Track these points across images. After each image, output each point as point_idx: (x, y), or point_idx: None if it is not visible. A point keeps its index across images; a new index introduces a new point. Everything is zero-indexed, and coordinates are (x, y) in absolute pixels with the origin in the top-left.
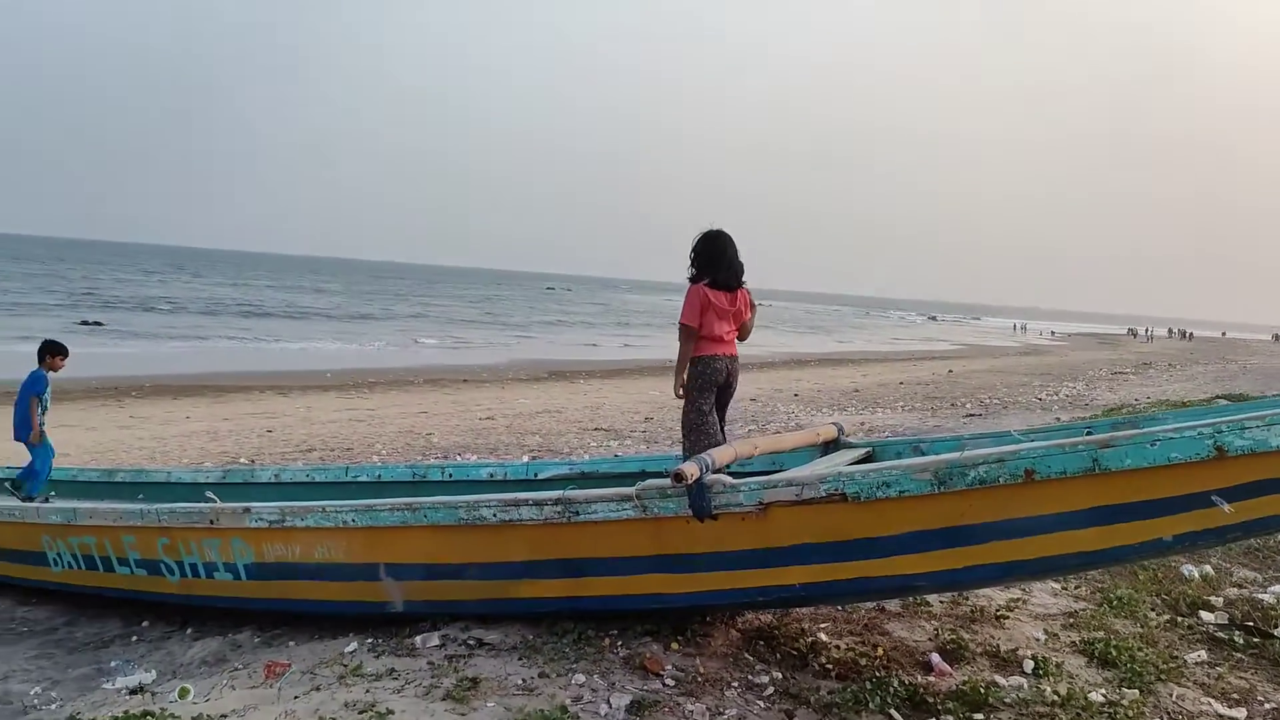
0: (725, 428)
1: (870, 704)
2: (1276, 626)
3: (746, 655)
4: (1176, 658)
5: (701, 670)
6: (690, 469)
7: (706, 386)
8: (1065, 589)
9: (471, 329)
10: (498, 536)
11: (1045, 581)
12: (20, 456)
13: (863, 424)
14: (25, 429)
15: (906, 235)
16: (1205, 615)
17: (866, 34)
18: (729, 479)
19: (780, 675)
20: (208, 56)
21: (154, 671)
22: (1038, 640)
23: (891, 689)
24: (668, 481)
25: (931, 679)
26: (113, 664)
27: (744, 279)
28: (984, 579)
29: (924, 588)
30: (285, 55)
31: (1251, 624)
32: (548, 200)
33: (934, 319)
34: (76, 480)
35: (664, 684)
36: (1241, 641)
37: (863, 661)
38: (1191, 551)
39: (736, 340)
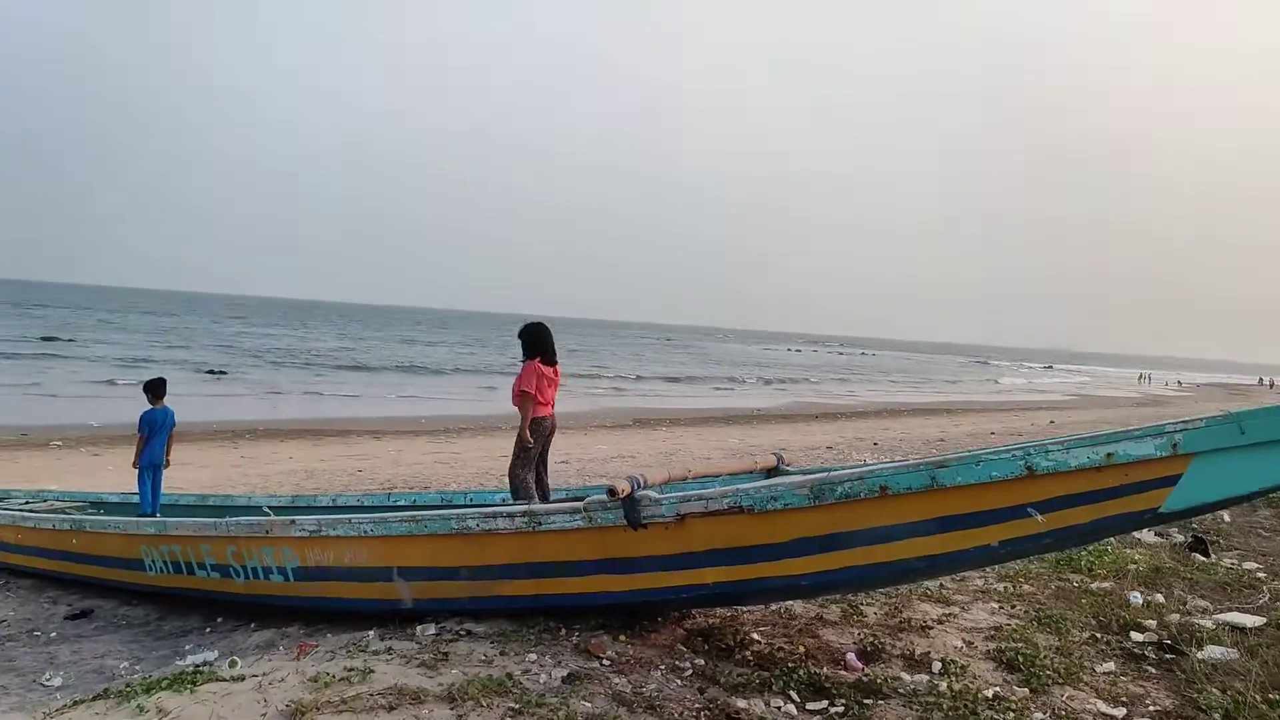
0: (548, 470)
1: (774, 686)
2: (1194, 646)
3: (681, 647)
4: (1085, 667)
5: (636, 655)
6: (623, 485)
7: (540, 438)
8: (1002, 607)
9: (566, 379)
10: (481, 544)
11: (981, 601)
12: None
13: None
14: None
15: (1025, 280)
16: (1135, 635)
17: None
18: (654, 494)
19: (703, 662)
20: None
21: (216, 652)
22: (956, 648)
23: (796, 676)
24: (605, 497)
25: (840, 671)
26: (187, 648)
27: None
28: (854, 580)
29: (807, 588)
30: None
31: (1170, 643)
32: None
33: (1050, 368)
34: (178, 504)
35: (601, 664)
36: (1154, 657)
37: (780, 655)
38: (1017, 558)
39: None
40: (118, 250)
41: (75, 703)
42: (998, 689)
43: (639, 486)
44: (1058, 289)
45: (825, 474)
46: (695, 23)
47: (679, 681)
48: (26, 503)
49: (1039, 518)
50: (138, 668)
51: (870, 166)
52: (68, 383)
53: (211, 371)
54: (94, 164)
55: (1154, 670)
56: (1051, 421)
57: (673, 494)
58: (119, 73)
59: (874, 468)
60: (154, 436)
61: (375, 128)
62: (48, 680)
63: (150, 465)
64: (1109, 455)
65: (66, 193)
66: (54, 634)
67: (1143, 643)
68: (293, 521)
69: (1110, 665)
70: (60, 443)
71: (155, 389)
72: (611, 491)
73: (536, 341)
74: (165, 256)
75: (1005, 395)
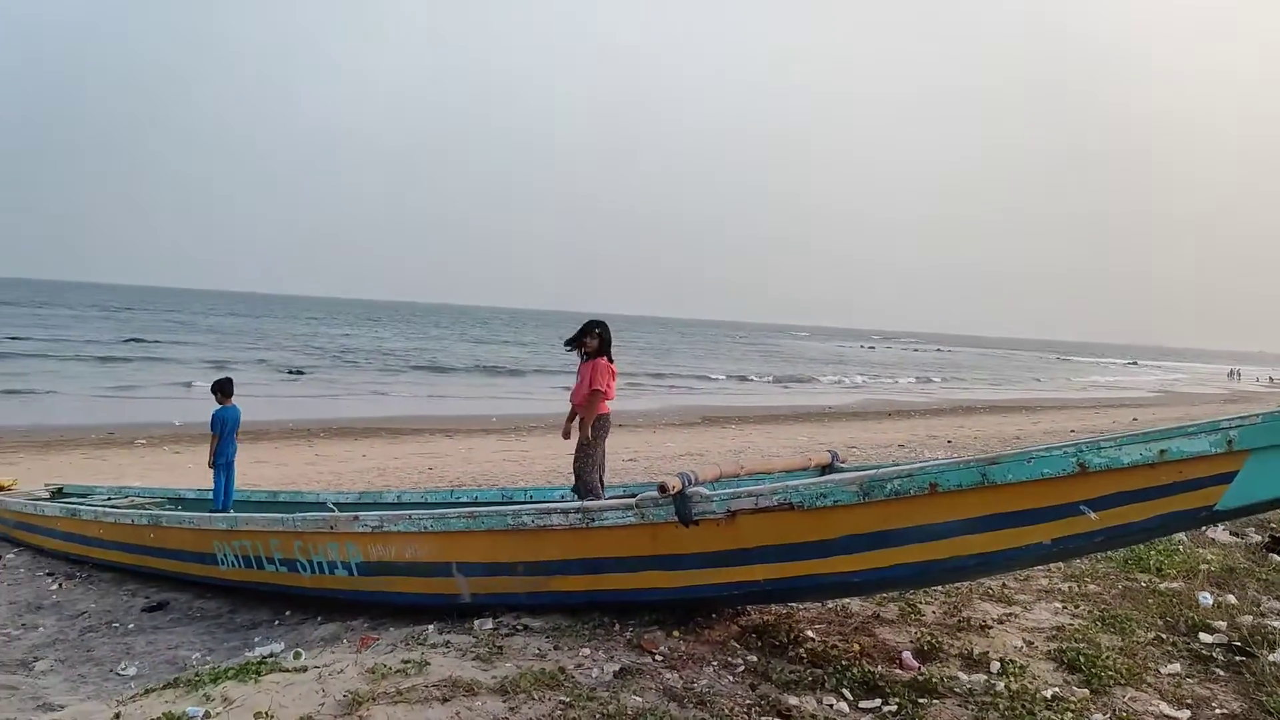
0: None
1: (827, 684)
2: (1266, 649)
3: (734, 644)
4: (1149, 668)
5: (689, 651)
6: (673, 482)
7: (601, 436)
8: (1065, 607)
9: (639, 377)
10: (537, 540)
11: (1044, 601)
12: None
13: None
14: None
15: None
16: (1204, 636)
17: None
18: (704, 490)
19: (756, 659)
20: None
21: (283, 644)
22: (1015, 647)
23: (850, 674)
24: (656, 493)
25: (896, 670)
26: (256, 640)
27: None
28: (906, 577)
29: (858, 585)
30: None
31: (1240, 645)
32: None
33: (1133, 363)
34: (250, 500)
35: (653, 659)
36: (1223, 659)
37: (834, 653)
38: (1071, 556)
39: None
40: (171, 251)
41: (147, 691)
42: (1057, 689)
43: (690, 483)
44: (1142, 283)
45: (875, 470)
46: (768, 22)
47: (731, 678)
48: (108, 499)
49: (1092, 515)
50: (209, 658)
51: (943, 161)
52: (152, 383)
53: (292, 371)
54: (139, 165)
55: (1222, 672)
56: (1134, 419)
57: (723, 490)
58: (173, 80)
59: (924, 464)
60: (226, 435)
61: (444, 129)
62: (123, 670)
63: (224, 463)
64: (1162, 452)
65: (116, 193)
66: (131, 625)
67: (1211, 644)
68: (356, 517)
69: (1176, 667)
70: (144, 441)
71: (224, 388)
72: (663, 488)
73: (608, 339)
74: (220, 258)
75: (1086, 392)
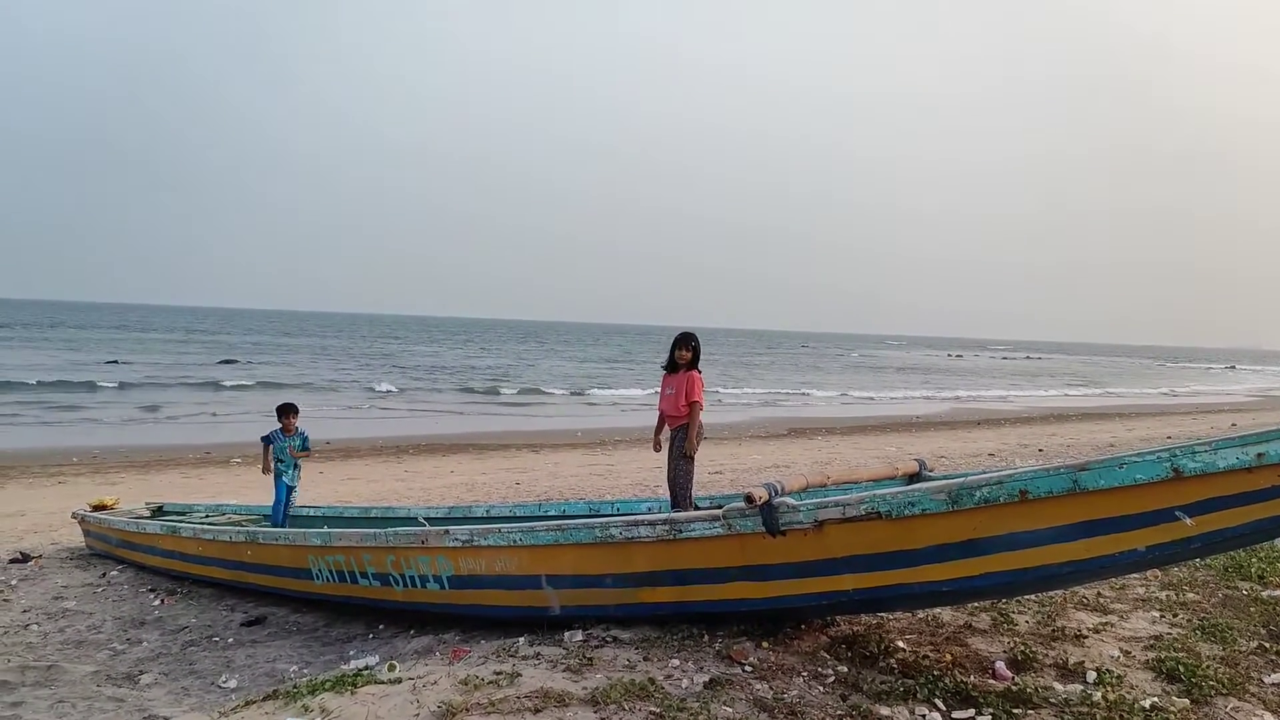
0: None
1: (919, 694)
2: None
3: (824, 654)
4: (1252, 678)
5: (778, 662)
6: (760, 493)
7: (699, 448)
8: (1163, 616)
9: (724, 391)
10: (624, 552)
11: (1142, 610)
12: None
13: None
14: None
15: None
16: None
17: None
18: (791, 500)
19: (846, 669)
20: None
21: (377, 657)
22: (1112, 657)
23: (942, 684)
24: (743, 504)
25: (989, 680)
26: (351, 653)
27: None
28: (996, 586)
29: (949, 595)
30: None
31: None
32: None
33: (1232, 368)
34: (342, 515)
35: (742, 670)
36: None
37: (926, 663)
38: (1166, 563)
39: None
40: (244, 271)
41: (247, 703)
42: (1155, 699)
43: (777, 494)
44: (1239, 284)
45: (964, 478)
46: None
47: (821, 688)
48: (206, 516)
49: (1188, 521)
50: (306, 671)
51: (1018, 159)
52: (246, 405)
53: (380, 390)
54: (215, 188)
55: None
56: (1233, 425)
57: (810, 500)
58: (233, 99)
59: (1014, 472)
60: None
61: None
62: (224, 682)
63: (277, 481)
64: (1260, 455)
65: (187, 216)
66: (231, 639)
67: None
68: (446, 531)
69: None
70: (239, 460)
71: (279, 412)
72: (749, 498)
73: (699, 351)
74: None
75: (1183, 398)
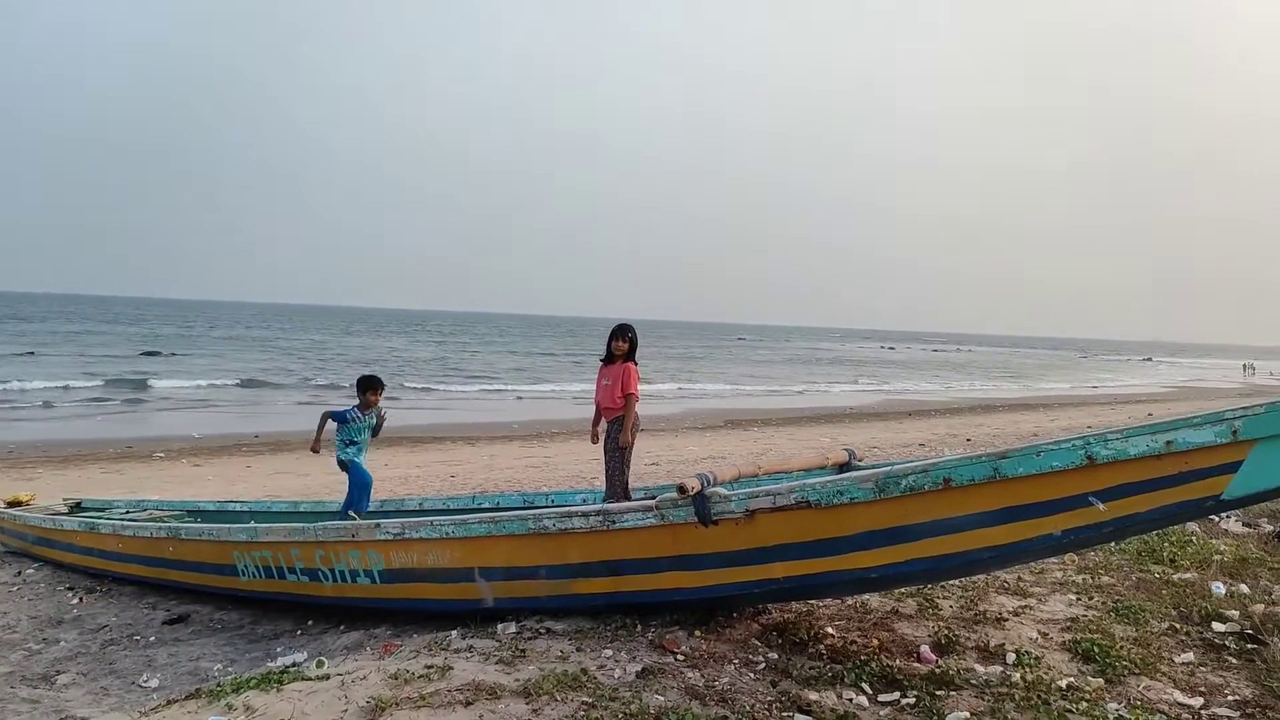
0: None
1: (847, 679)
2: (1277, 636)
3: (756, 642)
4: (1163, 658)
5: (710, 650)
6: (692, 483)
7: (636, 440)
8: (1080, 599)
9: (661, 383)
10: (558, 544)
11: (1059, 593)
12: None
13: None
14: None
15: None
16: (1216, 625)
17: None
18: (723, 491)
19: (777, 656)
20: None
21: (306, 654)
22: (1031, 639)
23: (869, 668)
24: (676, 494)
25: (914, 664)
26: (278, 650)
27: None
28: (921, 572)
29: (875, 581)
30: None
31: (1252, 633)
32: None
33: (1148, 360)
34: (270, 510)
35: (675, 659)
36: (1235, 647)
37: (854, 648)
38: (1081, 547)
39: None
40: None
41: (169, 702)
42: (1071, 679)
43: (709, 484)
44: (1155, 280)
45: (891, 467)
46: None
47: (752, 675)
48: (127, 512)
49: (1101, 506)
50: (231, 669)
51: (965, 165)
52: (174, 396)
53: (313, 382)
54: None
55: (1234, 660)
56: (1149, 414)
57: (742, 490)
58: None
59: (938, 460)
60: (343, 430)
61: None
62: (145, 682)
63: (344, 463)
64: (1168, 443)
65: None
66: (153, 638)
67: (1224, 633)
68: (378, 525)
69: (1189, 656)
70: (163, 454)
71: (361, 385)
72: (682, 489)
73: (637, 342)
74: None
75: (1103, 389)
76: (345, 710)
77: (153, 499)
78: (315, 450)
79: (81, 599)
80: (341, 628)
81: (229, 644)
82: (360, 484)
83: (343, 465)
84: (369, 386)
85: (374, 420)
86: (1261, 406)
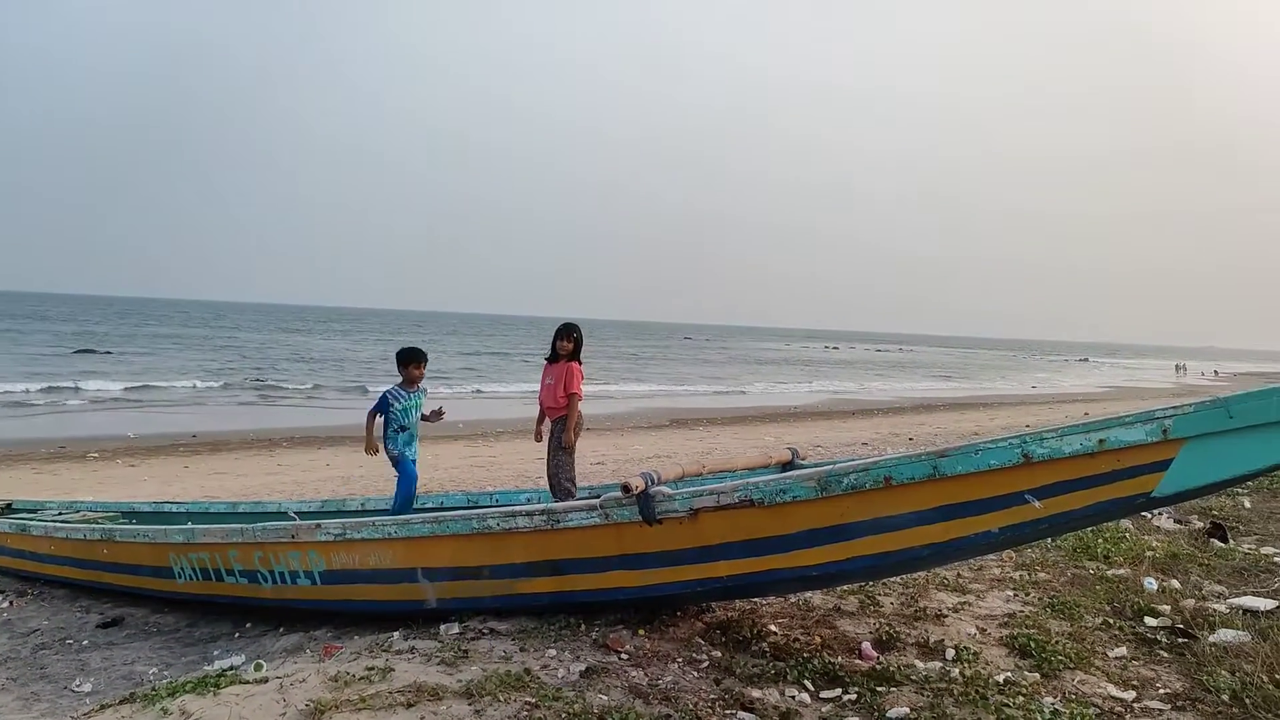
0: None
1: (789, 676)
2: (1206, 630)
3: (699, 640)
4: (1097, 652)
5: (655, 649)
6: (636, 482)
7: (580, 439)
8: (1017, 595)
9: (610, 382)
10: (502, 543)
11: (997, 589)
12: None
13: None
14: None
15: (1061, 272)
16: (1148, 620)
17: None
18: (667, 490)
19: (721, 654)
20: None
21: (244, 656)
22: (969, 635)
23: (811, 665)
24: (620, 493)
25: (855, 660)
26: (215, 653)
27: None
28: (863, 569)
29: (818, 578)
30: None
31: (1182, 627)
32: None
33: (1085, 360)
34: (208, 511)
35: (619, 658)
36: (1167, 642)
37: (796, 646)
38: (1018, 544)
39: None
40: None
41: (102, 707)
42: (1009, 674)
43: (653, 483)
44: (1094, 281)
45: (833, 466)
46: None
47: (695, 673)
48: (60, 513)
49: (1037, 504)
50: (166, 673)
51: (914, 153)
52: (109, 395)
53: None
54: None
55: (1166, 654)
56: (1086, 413)
57: (686, 489)
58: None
59: (879, 459)
60: (393, 421)
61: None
62: (78, 686)
63: (394, 456)
64: (1101, 441)
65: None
66: (86, 642)
67: (1156, 627)
68: (318, 525)
69: (1122, 650)
70: (97, 454)
71: (402, 358)
72: (626, 488)
73: (582, 342)
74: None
75: (1041, 389)
76: (284, 714)
77: (86, 500)
78: (373, 452)
79: (12, 602)
80: (281, 630)
81: (165, 647)
82: (407, 476)
83: (393, 460)
84: (410, 359)
85: (421, 399)
86: (1191, 406)
